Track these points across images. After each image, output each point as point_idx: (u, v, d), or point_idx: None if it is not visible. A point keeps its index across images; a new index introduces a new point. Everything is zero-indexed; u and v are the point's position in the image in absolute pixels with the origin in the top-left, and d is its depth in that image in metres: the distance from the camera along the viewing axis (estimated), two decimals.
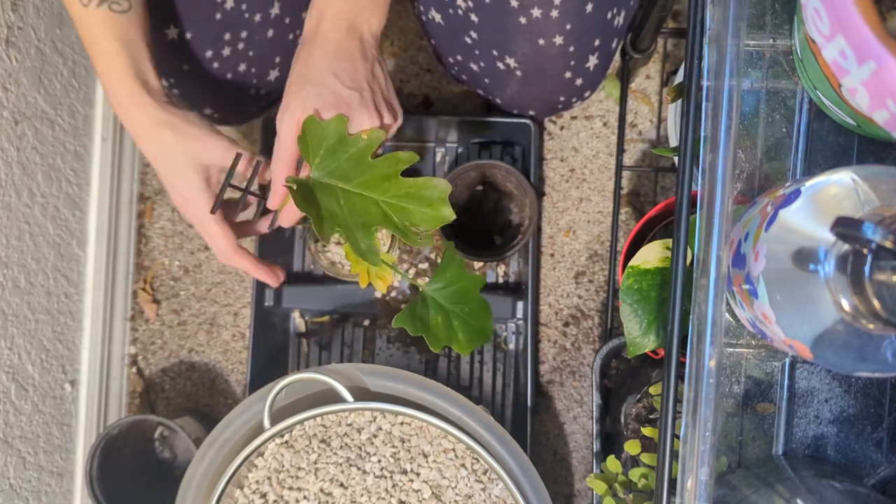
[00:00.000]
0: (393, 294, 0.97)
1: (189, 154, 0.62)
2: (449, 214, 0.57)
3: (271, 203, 0.63)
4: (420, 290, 0.64)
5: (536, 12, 0.65)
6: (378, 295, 0.95)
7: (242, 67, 0.75)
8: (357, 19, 0.60)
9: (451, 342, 0.63)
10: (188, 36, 0.69)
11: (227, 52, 0.72)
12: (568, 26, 0.67)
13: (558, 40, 0.68)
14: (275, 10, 0.73)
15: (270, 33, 0.74)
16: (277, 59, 0.78)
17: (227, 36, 0.71)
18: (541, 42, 0.68)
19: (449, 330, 0.63)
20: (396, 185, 0.57)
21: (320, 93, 0.57)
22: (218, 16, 0.69)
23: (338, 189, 0.57)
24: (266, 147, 0.91)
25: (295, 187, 0.55)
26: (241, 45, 0.73)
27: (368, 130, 0.57)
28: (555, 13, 0.65)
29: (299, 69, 0.60)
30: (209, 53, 0.72)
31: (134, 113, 0.61)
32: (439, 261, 0.97)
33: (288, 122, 0.59)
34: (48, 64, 0.84)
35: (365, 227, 0.57)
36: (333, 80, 0.58)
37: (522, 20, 0.66)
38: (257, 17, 0.72)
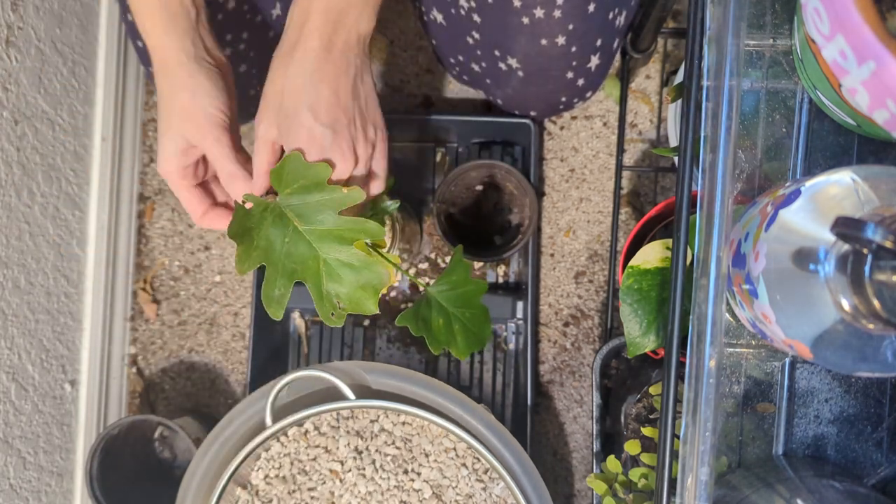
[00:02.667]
0: (393, 294, 0.97)
1: (186, 126, 0.58)
2: (371, 309, 0.54)
3: (253, 188, 0.59)
4: (425, 291, 0.64)
5: (539, 12, 0.65)
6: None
7: (243, 68, 0.75)
8: (344, 21, 0.55)
9: (450, 345, 0.63)
10: None
11: (227, 52, 0.73)
12: (570, 26, 0.67)
13: (560, 40, 0.68)
14: (276, 11, 0.73)
15: (272, 34, 0.74)
16: None
17: (229, 37, 0.71)
18: (543, 42, 0.68)
19: (449, 333, 0.63)
20: (347, 252, 0.54)
21: (292, 127, 0.54)
22: (219, 16, 0.69)
23: (291, 225, 0.54)
24: None
25: (238, 211, 0.53)
26: (242, 46, 0.73)
27: (353, 188, 0.54)
28: (557, 13, 0.65)
29: (277, 83, 0.56)
30: None
31: (162, 68, 0.57)
32: (439, 261, 0.97)
33: (262, 143, 0.56)
34: (48, 64, 0.84)
35: (290, 276, 0.54)
36: (307, 115, 0.54)
37: (525, 20, 0.66)
38: (258, 18, 0.72)
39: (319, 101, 0.54)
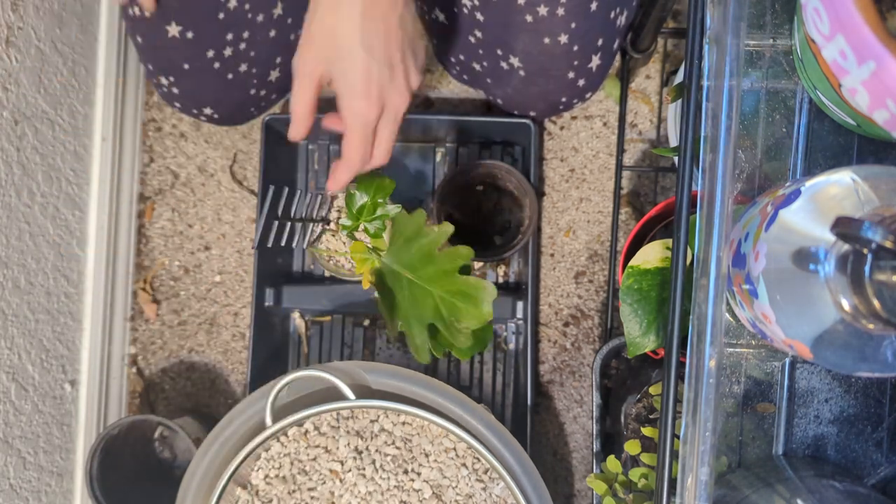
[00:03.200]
0: None
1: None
2: (489, 314, 0.58)
3: (294, 135, 0.61)
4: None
5: (543, 10, 0.65)
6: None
7: (244, 68, 0.75)
8: None
9: (451, 347, 0.63)
10: (189, 35, 0.69)
11: (228, 52, 0.72)
12: (573, 24, 0.67)
13: (563, 39, 0.68)
14: (277, 11, 0.73)
15: (273, 33, 0.74)
16: (279, 60, 0.78)
17: (230, 36, 0.71)
18: (546, 41, 0.68)
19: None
20: (453, 281, 0.58)
21: (346, 64, 0.55)
22: (220, 15, 0.69)
23: (404, 278, 0.59)
24: (267, 147, 0.91)
25: (376, 272, 0.59)
26: (242, 46, 0.73)
27: (443, 225, 0.58)
28: (561, 11, 0.65)
29: (326, 21, 0.56)
30: (211, 53, 0.71)
31: None
32: None
33: (307, 80, 0.58)
34: (48, 64, 0.84)
35: (421, 321, 0.59)
36: (364, 54, 0.55)
37: (528, 18, 0.66)
38: (260, 18, 0.72)
39: (374, 38, 0.55)
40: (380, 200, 0.66)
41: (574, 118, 0.99)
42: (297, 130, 0.61)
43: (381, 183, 0.65)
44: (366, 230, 0.66)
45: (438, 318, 0.58)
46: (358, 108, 0.58)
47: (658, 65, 0.99)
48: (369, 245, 0.65)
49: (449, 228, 0.58)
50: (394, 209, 0.66)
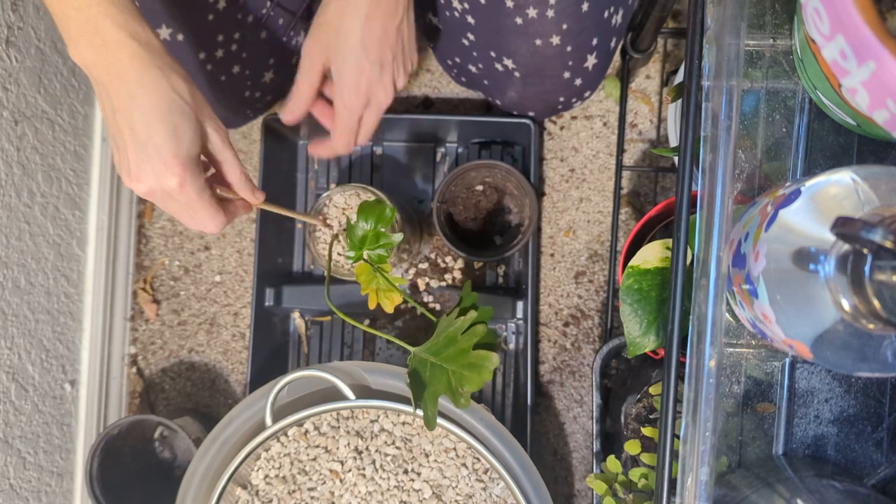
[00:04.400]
0: (400, 303, 0.97)
1: (194, 115, 0.52)
2: (489, 377, 0.63)
3: (290, 114, 0.68)
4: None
5: (532, 12, 0.65)
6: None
7: (236, 69, 0.75)
8: None
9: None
10: (180, 37, 0.69)
11: (220, 53, 0.72)
12: (564, 26, 0.67)
13: (555, 40, 0.68)
14: (266, 12, 0.73)
15: (264, 35, 0.74)
16: (272, 61, 0.78)
17: (220, 37, 0.71)
18: (538, 42, 0.68)
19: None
20: (465, 356, 0.62)
21: (346, 59, 0.63)
22: (210, 17, 0.69)
23: (429, 362, 0.63)
24: (266, 147, 0.91)
25: (412, 364, 0.65)
26: (234, 47, 0.73)
27: (469, 315, 0.63)
28: (550, 13, 0.65)
29: (333, 22, 0.62)
30: (202, 55, 0.71)
31: (121, 49, 0.49)
32: (439, 261, 0.97)
33: (312, 66, 0.65)
34: (48, 64, 0.84)
35: (434, 396, 0.62)
36: (360, 51, 0.62)
37: (518, 21, 0.66)
38: (250, 19, 0.72)
39: (371, 39, 0.62)
40: (381, 229, 0.67)
41: (574, 118, 0.99)
42: (294, 109, 0.68)
43: (381, 212, 0.67)
44: (370, 257, 0.67)
45: (448, 389, 0.63)
46: (348, 98, 0.65)
47: (658, 65, 0.99)
48: (374, 266, 0.67)
49: (483, 329, 0.63)
50: (397, 238, 0.67)
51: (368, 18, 0.61)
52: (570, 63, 0.72)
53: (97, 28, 0.49)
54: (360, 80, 0.64)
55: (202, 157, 0.55)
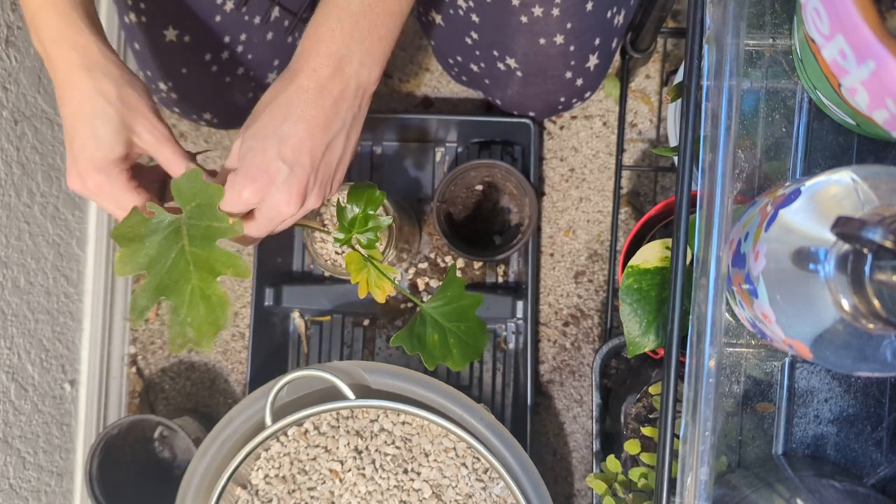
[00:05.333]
0: (392, 293, 0.97)
1: (118, 117, 0.51)
2: (207, 348, 0.54)
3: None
4: (420, 308, 0.64)
5: (537, 10, 0.65)
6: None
7: (241, 71, 0.75)
8: (344, 68, 0.53)
9: (445, 360, 0.64)
10: (187, 39, 0.69)
11: (226, 55, 0.72)
12: (569, 25, 0.67)
13: (559, 39, 0.68)
14: (275, 13, 0.73)
15: (270, 36, 0.74)
16: (276, 63, 0.78)
17: (227, 39, 0.71)
18: (541, 41, 0.68)
19: (444, 347, 0.64)
20: (212, 284, 0.52)
21: (254, 147, 0.52)
22: (217, 18, 0.69)
23: (181, 243, 0.53)
24: None
25: (133, 215, 0.52)
26: (240, 49, 0.73)
27: (237, 221, 0.52)
28: (556, 11, 0.65)
29: (265, 99, 0.54)
30: (208, 56, 0.71)
31: (88, 65, 0.51)
32: (439, 260, 0.97)
33: (234, 148, 0.55)
34: None
35: (162, 291, 0.53)
36: (274, 143, 0.52)
37: (523, 19, 0.66)
38: (257, 20, 0.72)
39: (291, 137, 0.52)
40: (370, 212, 0.66)
41: (574, 118, 0.99)
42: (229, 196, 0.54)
43: (371, 194, 0.65)
44: (358, 242, 0.66)
45: (178, 303, 0.54)
46: (237, 188, 0.52)
47: (658, 64, 0.99)
48: (364, 254, 0.66)
49: (239, 228, 0.52)
50: (385, 220, 0.66)
51: (296, 116, 0.52)
52: (573, 63, 0.72)
53: (35, 25, 0.51)
54: (259, 176, 0.51)
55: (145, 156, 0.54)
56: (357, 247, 0.66)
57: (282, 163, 0.52)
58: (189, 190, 0.51)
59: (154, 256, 0.52)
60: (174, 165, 0.54)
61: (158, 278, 0.53)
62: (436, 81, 1.01)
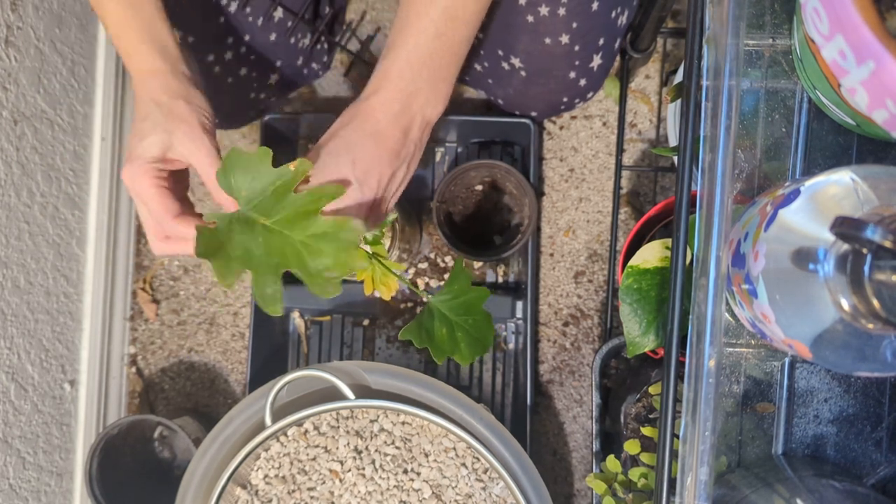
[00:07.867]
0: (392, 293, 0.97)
1: (170, 121, 0.55)
2: (359, 264, 0.53)
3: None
4: (427, 302, 0.64)
5: (544, 10, 0.65)
6: (378, 294, 0.95)
7: (243, 71, 0.75)
8: (412, 103, 0.57)
9: (453, 353, 0.63)
10: (190, 39, 0.69)
11: (229, 55, 0.72)
12: (574, 24, 0.67)
13: (564, 39, 0.68)
14: (278, 14, 0.73)
15: (273, 37, 0.74)
16: (278, 63, 0.78)
17: (230, 39, 0.71)
18: (547, 41, 0.68)
19: (452, 342, 0.64)
20: (315, 223, 0.52)
21: (328, 164, 0.55)
22: (221, 19, 0.69)
23: (259, 224, 0.52)
24: (266, 147, 0.91)
25: (202, 232, 0.51)
26: (243, 49, 0.73)
27: (297, 162, 0.52)
28: (562, 11, 0.65)
29: (346, 119, 0.57)
30: (211, 57, 0.71)
31: (151, 82, 0.56)
32: (439, 261, 0.97)
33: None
34: (47, 64, 0.84)
35: (276, 270, 0.53)
36: (348, 162, 0.55)
37: (530, 18, 0.66)
38: (260, 21, 0.72)
39: (364, 160, 0.55)
40: None
41: (574, 118, 0.99)
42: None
43: None
44: (364, 239, 0.66)
45: (299, 265, 0.53)
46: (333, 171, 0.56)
47: (657, 64, 0.99)
48: (369, 251, 0.66)
49: (307, 165, 0.52)
50: (390, 215, 0.66)
51: (371, 140, 0.56)
52: (577, 63, 0.72)
53: (127, 51, 0.57)
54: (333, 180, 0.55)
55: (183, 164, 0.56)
56: (362, 244, 0.66)
57: (353, 179, 0.55)
58: (240, 173, 0.52)
59: (243, 255, 0.52)
60: (204, 172, 0.56)
61: (264, 265, 0.53)
62: None
